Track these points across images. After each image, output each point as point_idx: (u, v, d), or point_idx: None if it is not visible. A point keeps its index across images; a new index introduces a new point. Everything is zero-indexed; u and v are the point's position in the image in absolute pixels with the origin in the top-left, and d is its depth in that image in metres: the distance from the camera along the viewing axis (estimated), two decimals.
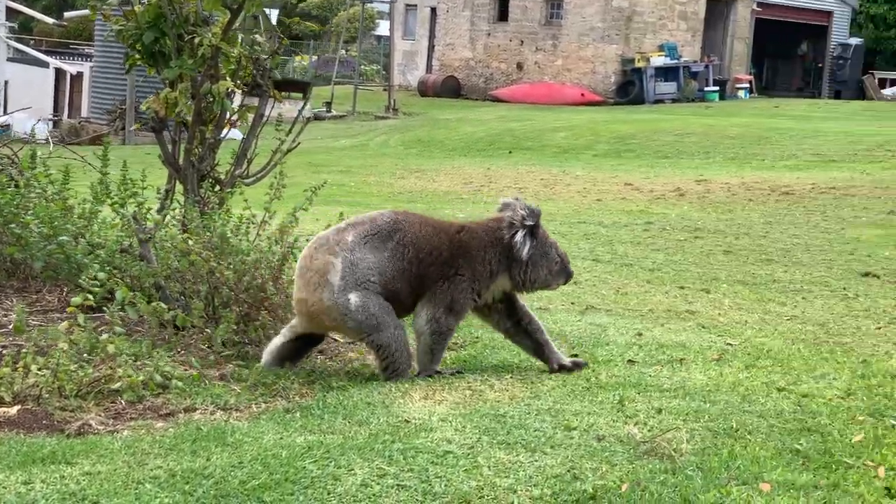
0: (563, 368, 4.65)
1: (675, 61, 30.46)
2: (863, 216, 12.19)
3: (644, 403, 4.12)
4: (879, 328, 5.91)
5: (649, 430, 3.78)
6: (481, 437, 3.67)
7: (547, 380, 4.51)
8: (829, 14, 35.10)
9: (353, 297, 4.33)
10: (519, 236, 4.53)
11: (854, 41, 34.50)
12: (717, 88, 31.06)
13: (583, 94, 30.09)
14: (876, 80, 34.51)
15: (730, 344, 5.30)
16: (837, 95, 34.04)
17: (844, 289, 7.51)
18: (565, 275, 4.73)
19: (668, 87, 30.30)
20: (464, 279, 4.47)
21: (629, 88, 30.30)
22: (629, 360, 4.87)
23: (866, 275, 8.21)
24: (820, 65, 35.78)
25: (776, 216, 12.18)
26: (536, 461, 3.46)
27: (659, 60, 30.16)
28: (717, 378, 4.60)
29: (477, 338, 5.34)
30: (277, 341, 4.65)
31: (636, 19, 30.55)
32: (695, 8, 31.77)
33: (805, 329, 5.84)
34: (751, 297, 7.02)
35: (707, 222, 11.57)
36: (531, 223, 4.54)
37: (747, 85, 32.82)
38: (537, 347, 4.70)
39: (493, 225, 4.58)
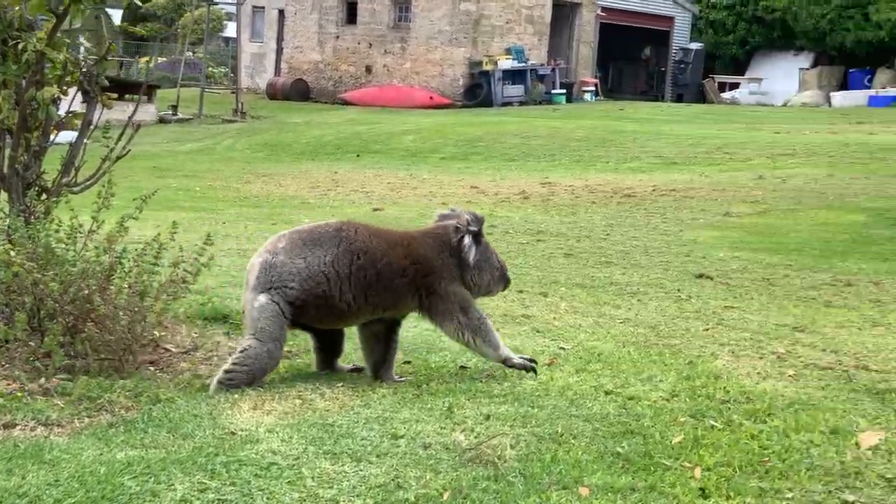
0: (389, 383, 4.70)
1: (523, 64, 30.80)
2: (700, 218, 12.50)
3: (473, 410, 4.15)
4: (707, 329, 6.05)
5: (476, 437, 3.80)
6: (307, 448, 3.65)
7: (378, 388, 4.50)
8: (670, 20, 35.92)
9: (262, 298, 4.41)
10: (466, 240, 4.68)
11: (695, 46, 35.38)
12: (563, 91, 31.52)
13: (431, 97, 30.22)
14: (716, 84, 35.45)
15: (563, 348, 5.37)
16: (680, 99, 34.87)
17: (678, 290, 7.68)
18: (504, 281, 4.91)
19: (516, 90, 30.63)
20: (445, 282, 4.62)
21: (477, 91, 30.55)
22: (461, 366, 4.90)
23: (700, 276, 8.40)
24: (663, 69, 36.60)
25: (617, 218, 12.40)
26: (361, 471, 3.45)
27: (506, 63, 30.47)
28: (548, 382, 4.65)
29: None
30: (314, 345, 4.85)
31: (484, 23, 30.81)
32: (541, 12, 32.19)
33: (637, 332, 5.95)
34: (587, 301, 7.12)
35: (550, 225, 11.71)
36: (475, 229, 4.70)
37: (593, 88, 33.38)
38: (379, 361, 4.75)
39: (440, 231, 4.70)
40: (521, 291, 7.48)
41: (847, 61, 34.34)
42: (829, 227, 11.89)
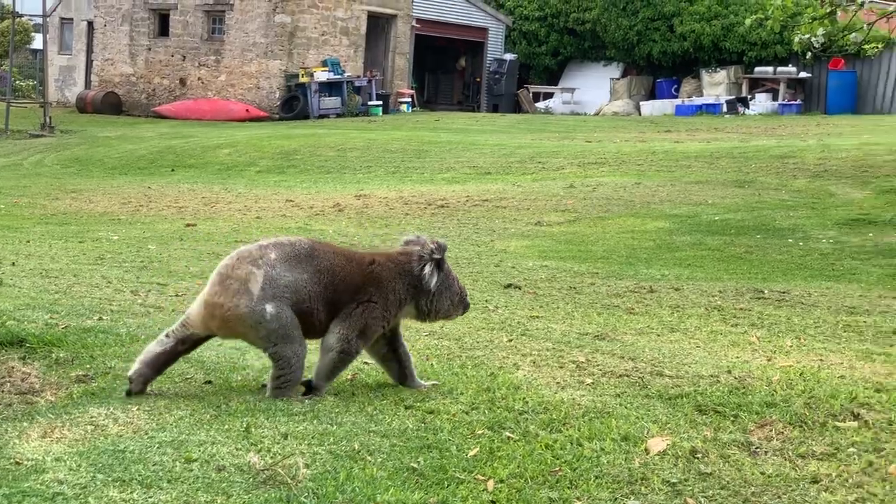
0: (422, 388, 4.94)
1: (339, 76, 30.79)
2: (512, 228, 12.69)
3: (271, 429, 4.12)
4: (511, 340, 6.14)
5: (271, 457, 3.77)
6: (96, 476, 3.56)
7: (175, 409, 4.43)
8: (485, 30, 36.39)
9: (270, 308, 4.52)
10: (428, 269, 4.81)
11: (509, 57, 35.92)
12: (380, 103, 31.61)
13: (248, 110, 29.95)
14: (530, 94, 36.05)
15: (366, 363, 5.38)
16: (495, 109, 35.35)
17: (486, 301, 7.77)
18: (463, 306, 5.07)
19: (333, 102, 30.59)
20: (377, 307, 4.73)
21: (294, 104, 30.40)
22: (263, 385, 4.86)
23: (508, 286, 8.53)
24: (478, 79, 37.04)
25: (431, 229, 12.49)
26: (151, 498, 3.38)
27: (322, 75, 30.40)
28: (348, 399, 4.65)
29: (110, 368, 5.19)
30: (155, 349, 4.72)
31: (299, 35, 30.68)
32: (356, 24, 32.24)
33: (441, 344, 5.99)
34: None
35: (363, 238, 11.72)
36: (438, 257, 4.84)
37: (409, 99, 33.57)
38: (401, 375, 4.98)
39: (403, 259, 4.85)
40: None
41: (655, 71, 35.37)
42: (636, 234, 12.22)
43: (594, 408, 4.58)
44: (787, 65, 31.91)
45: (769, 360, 5.75)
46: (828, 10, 12.72)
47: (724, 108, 31.81)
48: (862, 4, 12.87)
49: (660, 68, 35.05)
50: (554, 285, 8.68)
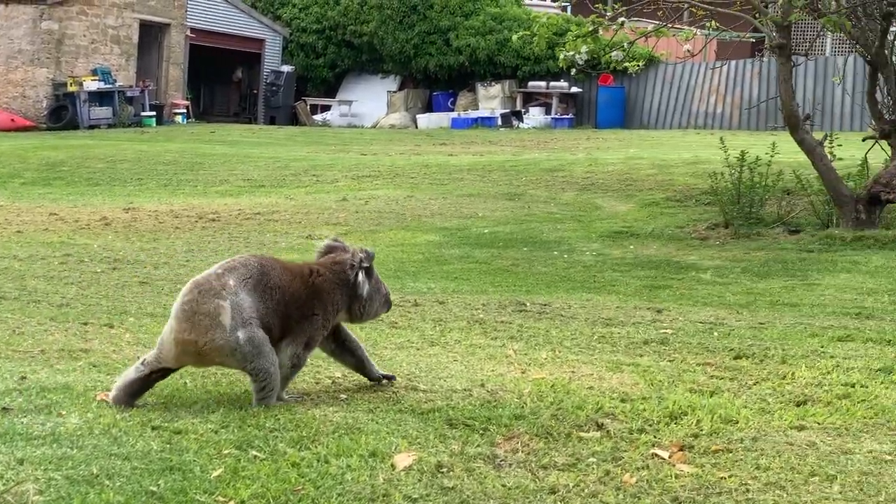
0: (385, 378, 5.44)
1: (110, 86, 30.04)
2: (282, 242, 12.62)
3: (6, 454, 3.97)
4: None
5: (3, 484, 3.63)
6: None
7: None
8: (261, 42, 36.10)
9: (241, 334, 4.75)
10: (360, 277, 5.16)
11: (286, 68, 35.72)
12: (153, 114, 30.99)
13: (13, 120, 28.90)
14: (308, 106, 35.95)
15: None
16: (272, 121, 35.09)
17: None
18: (388, 305, 5.48)
19: (104, 112, 29.82)
20: (318, 318, 5.07)
21: (62, 113, 29.51)
22: (3, 408, 4.68)
23: None
24: (255, 91, 36.71)
25: (200, 244, 12.31)
26: None
27: (93, 85, 29.60)
28: (93, 421, 4.52)
29: None
30: (132, 375, 4.91)
31: (67, 42, 29.81)
32: (128, 32, 31.53)
33: None
34: (155, 331, 6.95)
35: (129, 252, 11.46)
36: (367, 265, 5.20)
37: (184, 110, 33.01)
38: (359, 363, 5.42)
39: (337, 268, 5.14)
40: (85, 324, 7.27)
41: (432, 84, 35.77)
42: (405, 247, 12.31)
43: (345, 424, 4.58)
44: (559, 80, 32.74)
45: (523, 373, 5.87)
46: (590, 29, 13.10)
47: (499, 122, 32.44)
48: (622, 24, 13.31)
49: (436, 81, 35.47)
50: None
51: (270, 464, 4.02)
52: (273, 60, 36.29)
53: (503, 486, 3.90)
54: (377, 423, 4.64)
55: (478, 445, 4.37)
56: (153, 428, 4.44)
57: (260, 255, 5.29)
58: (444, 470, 4.02)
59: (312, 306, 5.03)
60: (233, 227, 13.75)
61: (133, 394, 4.91)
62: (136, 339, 6.68)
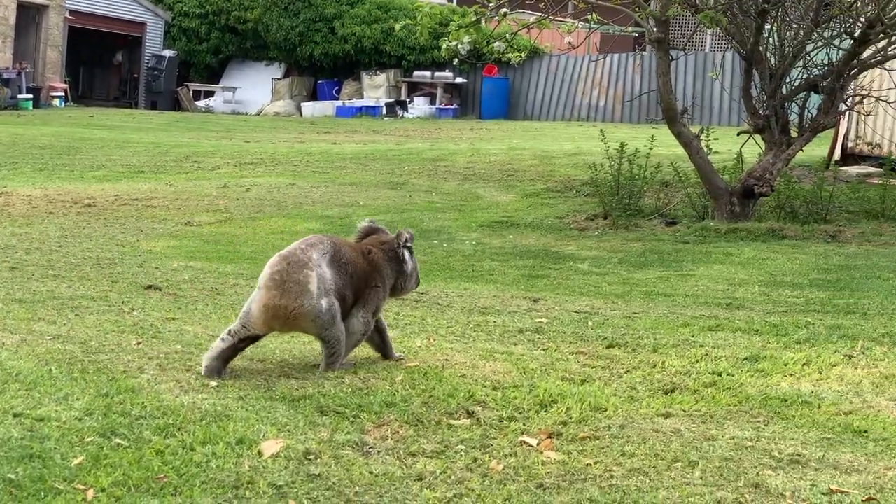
0: (396, 360, 5.85)
1: None
2: (160, 228, 12.43)
3: None
4: (140, 343, 5.99)
5: None
6: None
7: None
8: (143, 25, 35.51)
9: (324, 302, 5.30)
10: (407, 254, 5.77)
11: (168, 53, 35.20)
12: (30, 96, 30.29)
13: None
14: (191, 92, 35.49)
15: None
16: (154, 106, 34.56)
17: (123, 303, 7.55)
18: (418, 281, 6.04)
19: None
20: (380, 289, 5.67)
21: None
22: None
23: (149, 288, 8.32)
24: (136, 75, 36.10)
25: (75, 229, 12.06)
26: None
27: None
28: None
29: None
30: (221, 346, 5.33)
31: None
32: (4, 13, 30.77)
33: (65, 348, 5.77)
34: (22, 317, 6.84)
35: (2, 238, 11.18)
36: (411, 244, 5.81)
37: (63, 93, 32.34)
38: (381, 344, 5.89)
39: (386, 247, 5.74)
40: None
41: (317, 72, 35.58)
42: (286, 234, 12.22)
43: (214, 411, 4.53)
44: (444, 70, 32.81)
45: (397, 361, 5.86)
46: (473, 19, 13.12)
47: (384, 111, 32.41)
48: (504, 15, 13.37)
49: (321, 70, 35.29)
50: (196, 286, 8.54)
51: (134, 451, 3.95)
52: (154, 45, 35.74)
53: (370, 472, 3.89)
54: (247, 410, 4.60)
55: (347, 433, 4.36)
56: (15, 415, 4.33)
57: (329, 235, 5.89)
58: (312, 457, 4.00)
59: (374, 279, 5.64)
60: (109, 213, 13.50)
61: (224, 360, 5.34)
62: (2, 326, 6.51)
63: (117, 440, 4.06)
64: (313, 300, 5.28)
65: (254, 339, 5.47)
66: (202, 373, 5.24)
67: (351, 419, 4.56)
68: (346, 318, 5.50)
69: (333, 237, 5.67)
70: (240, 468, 3.82)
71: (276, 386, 5.07)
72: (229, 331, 5.39)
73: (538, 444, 4.30)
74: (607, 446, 4.31)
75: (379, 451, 4.15)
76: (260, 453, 4.00)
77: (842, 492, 3.85)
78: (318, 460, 3.98)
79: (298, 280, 5.27)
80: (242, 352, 5.49)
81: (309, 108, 33.74)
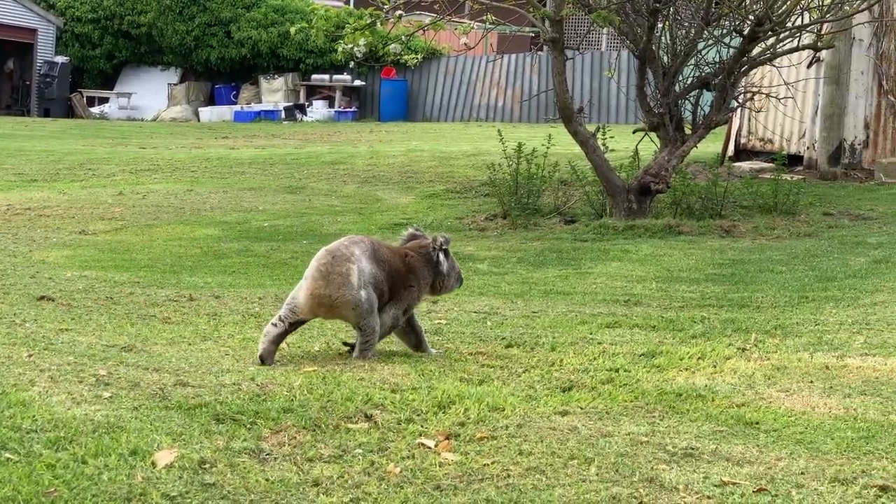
0: (433, 355, 6.28)
1: None
2: (54, 237, 12.21)
3: None
4: (31, 356, 5.86)
5: None
6: None
7: None
8: (34, 32, 34.81)
9: (363, 293, 5.91)
10: (442, 256, 6.31)
11: (61, 59, 34.60)
12: None
13: None
14: (84, 99, 34.92)
15: None
16: (47, 114, 33.93)
17: (15, 315, 7.39)
18: (460, 281, 6.61)
19: None
20: (415, 289, 6.24)
21: None
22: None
23: (41, 298, 8.16)
24: (28, 82, 35.41)
25: None
26: None
27: None
28: None
29: None
30: (275, 330, 5.99)
31: None
32: None
33: None
34: None
35: None
36: (446, 247, 6.35)
37: None
38: (417, 342, 6.39)
39: (423, 250, 6.32)
40: None
41: (214, 77, 35.25)
42: (183, 241, 12.09)
43: (107, 423, 4.45)
44: (343, 73, 32.72)
45: (296, 366, 5.83)
46: (368, 22, 13.10)
47: (283, 115, 32.23)
48: (400, 17, 13.37)
49: (218, 74, 34.97)
50: (91, 296, 8.39)
51: (24, 466, 3.87)
52: (47, 51, 35.08)
53: (266, 479, 3.86)
54: (141, 420, 4.53)
55: (244, 440, 4.32)
56: None
57: (369, 236, 6.61)
58: (207, 466, 3.95)
59: (409, 280, 6.19)
60: (0, 223, 13.22)
61: (277, 343, 6.02)
62: None
63: (7, 455, 3.97)
64: (354, 290, 5.88)
65: (301, 323, 6.17)
66: (258, 353, 5.93)
67: (248, 426, 4.51)
68: (380, 312, 6.07)
69: (373, 238, 6.36)
70: (133, 480, 3.76)
71: (171, 395, 5.00)
72: (280, 317, 6.01)
73: (436, 446, 4.30)
74: (504, 446, 4.33)
75: (276, 458, 4.12)
76: (154, 464, 3.94)
77: (734, 483, 3.91)
78: (214, 469, 3.94)
79: (341, 272, 5.88)
80: (288, 335, 6.15)
81: (206, 113, 33.41)
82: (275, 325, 6.01)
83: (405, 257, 6.27)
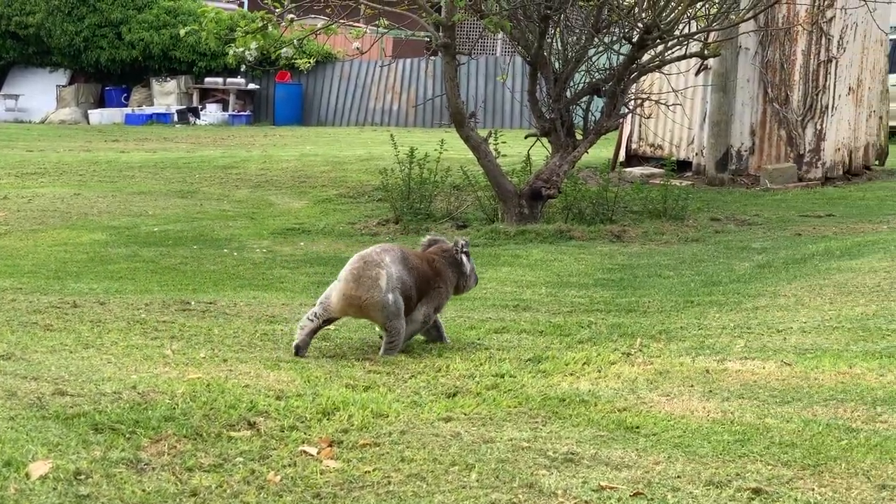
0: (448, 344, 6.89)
1: None
2: None
3: None
4: None
5: None
6: None
7: None
8: None
9: (391, 296, 6.37)
10: (464, 258, 6.90)
11: None
12: None
13: None
14: None
15: None
16: None
17: None
18: (476, 280, 7.21)
19: None
20: (443, 289, 6.80)
21: None
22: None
23: None
24: None
25: None
26: None
27: None
28: None
29: None
30: (311, 325, 6.49)
31: None
32: None
33: None
34: None
35: None
36: (467, 250, 6.93)
37: None
38: (438, 336, 6.94)
39: (447, 254, 6.90)
40: None
41: (104, 79, 34.67)
42: (69, 247, 11.89)
43: None
44: (236, 76, 32.43)
45: (180, 374, 5.75)
46: (260, 25, 13.00)
47: (175, 118, 31.84)
48: (292, 21, 13.30)
49: (109, 76, 34.40)
50: None
51: None
52: None
53: (143, 490, 3.80)
54: (16, 430, 4.43)
55: (122, 450, 4.24)
56: None
57: (398, 244, 7.16)
58: (82, 477, 3.88)
59: (437, 282, 6.73)
60: None
61: (312, 335, 6.52)
62: None
63: None
64: (382, 293, 6.33)
65: (332, 320, 6.70)
66: (295, 343, 6.44)
67: (127, 436, 4.44)
68: (409, 313, 6.55)
69: (402, 246, 6.92)
70: (5, 492, 3.68)
71: (49, 404, 4.89)
72: (314, 313, 6.49)
73: (318, 453, 4.28)
74: (387, 453, 4.32)
75: (154, 468, 4.06)
76: (28, 475, 3.86)
77: (611, 488, 3.95)
78: (89, 480, 3.87)
79: (371, 276, 6.35)
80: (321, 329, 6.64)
81: (97, 115, 32.87)
82: (311, 319, 6.49)
83: (431, 262, 6.80)
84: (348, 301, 6.41)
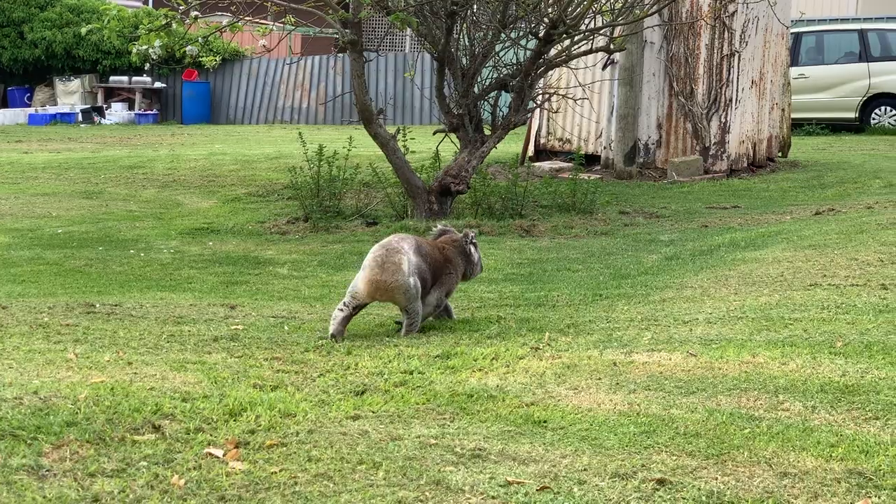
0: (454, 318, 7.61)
1: None
2: None
3: None
4: None
5: None
6: None
7: None
8: None
9: (412, 280, 6.94)
10: (472, 249, 7.54)
11: None
12: None
13: None
14: None
15: None
16: None
17: None
18: (482, 268, 7.83)
19: None
20: (453, 275, 7.44)
21: None
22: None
23: None
24: None
25: None
26: None
27: None
28: None
29: None
30: (342, 314, 7.02)
31: None
32: None
33: None
34: None
35: None
36: (475, 241, 7.59)
37: None
38: (448, 316, 7.55)
39: (456, 244, 7.51)
40: None
41: (6, 79, 34.01)
42: None
43: None
44: (142, 74, 32.01)
45: (83, 377, 5.66)
46: (164, 22, 12.84)
47: (80, 118, 31.35)
48: (196, 18, 13.15)
49: (11, 76, 33.75)
50: None
51: None
52: None
53: (44, 497, 3.73)
54: None
55: (23, 457, 4.16)
56: None
57: (412, 235, 7.74)
58: None
59: (448, 268, 7.36)
60: None
61: (345, 323, 7.04)
62: None
63: None
64: (405, 276, 6.89)
65: (361, 307, 7.17)
66: (330, 332, 6.94)
67: (28, 442, 4.35)
68: (424, 297, 7.11)
69: (416, 236, 7.52)
70: None
71: None
72: (344, 303, 7.04)
73: (224, 455, 4.24)
74: (294, 453, 4.29)
75: (55, 474, 3.99)
76: None
77: (518, 482, 3.96)
78: None
79: (394, 262, 6.91)
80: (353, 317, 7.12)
81: None
82: (341, 309, 7.02)
83: (443, 250, 7.41)
84: (375, 286, 6.93)
